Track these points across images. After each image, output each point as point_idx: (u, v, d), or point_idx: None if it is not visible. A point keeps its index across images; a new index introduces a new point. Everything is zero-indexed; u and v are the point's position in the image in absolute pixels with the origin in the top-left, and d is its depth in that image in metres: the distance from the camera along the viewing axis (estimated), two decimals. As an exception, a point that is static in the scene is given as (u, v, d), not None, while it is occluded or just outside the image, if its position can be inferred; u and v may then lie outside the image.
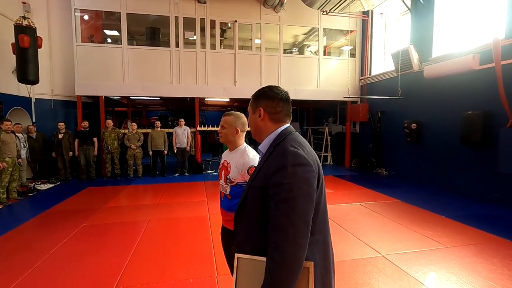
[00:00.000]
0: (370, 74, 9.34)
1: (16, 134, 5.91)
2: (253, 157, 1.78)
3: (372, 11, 9.00)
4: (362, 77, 9.52)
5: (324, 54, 9.97)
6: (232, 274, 1.66)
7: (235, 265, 1.10)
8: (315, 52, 10.35)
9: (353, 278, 2.69)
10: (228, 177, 1.84)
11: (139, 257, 3.13)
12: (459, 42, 6.24)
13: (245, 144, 1.91)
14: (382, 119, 8.56)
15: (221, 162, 1.99)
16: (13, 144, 5.50)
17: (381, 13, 8.69)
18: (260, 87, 1.29)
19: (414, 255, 3.15)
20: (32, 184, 6.54)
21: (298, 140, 1.12)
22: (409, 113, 7.38)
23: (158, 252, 3.27)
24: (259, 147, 1.26)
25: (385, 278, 2.69)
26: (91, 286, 2.58)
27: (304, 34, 10.69)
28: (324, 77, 9.35)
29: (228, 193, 1.85)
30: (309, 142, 11.65)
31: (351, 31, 9.57)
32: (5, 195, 5.34)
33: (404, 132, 7.38)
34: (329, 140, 10.34)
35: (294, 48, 11.99)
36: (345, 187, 6.62)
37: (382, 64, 8.86)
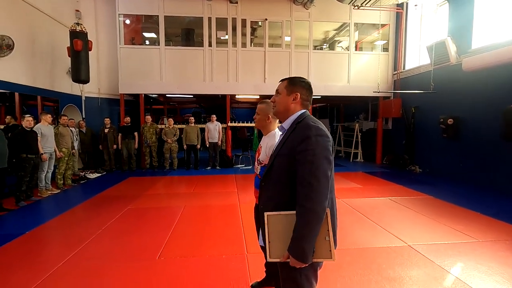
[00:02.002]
0: (404, 68, 9.04)
1: (70, 128, 6.65)
2: None
3: (406, 3, 8.70)
4: (395, 72, 9.24)
5: (356, 49, 9.81)
6: (259, 236, 1.89)
7: (265, 222, 1.33)
8: (346, 47, 10.23)
9: (376, 262, 2.78)
10: (258, 159, 2.06)
11: (177, 235, 3.48)
12: (501, 32, 5.88)
13: (277, 129, 2.11)
14: (416, 114, 8.27)
15: (259, 145, 2.23)
16: (68, 137, 6.22)
17: (415, 5, 8.38)
18: (293, 76, 1.54)
19: (442, 246, 3.14)
20: (83, 173, 7.31)
21: (315, 120, 1.39)
22: (445, 108, 7.08)
23: (194, 232, 3.60)
24: (282, 124, 1.48)
25: (409, 264, 2.75)
26: (138, 255, 2.96)
27: (335, 30, 10.59)
28: (355, 73, 9.23)
29: (258, 173, 2.07)
30: (339, 139, 11.55)
31: (384, 25, 9.34)
32: (62, 181, 6.07)
33: (439, 127, 7.10)
34: (359, 137, 10.18)
35: (325, 44, 11.91)
36: (374, 182, 6.56)
37: (417, 58, 8.54)
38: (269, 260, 1.33)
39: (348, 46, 9.35)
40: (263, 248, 1.60)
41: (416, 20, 8.56)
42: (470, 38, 6.47)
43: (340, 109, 13.26)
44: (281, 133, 1.54)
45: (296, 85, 1.47)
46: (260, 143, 2.18)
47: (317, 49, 10.84)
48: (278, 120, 2.12)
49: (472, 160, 6.40)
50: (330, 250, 1.26)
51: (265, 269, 2.39)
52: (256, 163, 2.15)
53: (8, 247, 3.22)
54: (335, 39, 11.19)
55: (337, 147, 11.51)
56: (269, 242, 1.33)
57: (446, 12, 7.19)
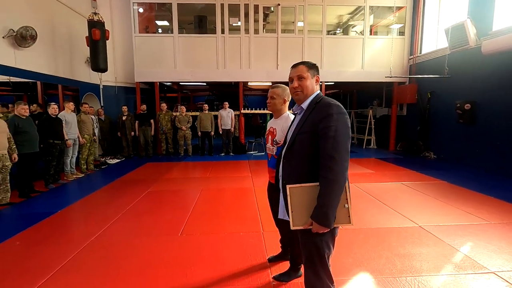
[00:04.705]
0: (420, 52, 8.82)
1: (90, 115, 6.92)
2: None
3: (424, -16, 8.41)
4: (411, 56, 9.03)
5: (371, 34, 9.61)
6: (276, 217, 2.02)
7: (288, 194, 1.46)
8: (360, 32, 10.02)
9: (387, 241, 2.90)
10: (274, 140, 2.19)
11: (197, 215, 3.70)
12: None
13: (288, 111, 2.22)
14: (431, 100, 8.13)
15: (268, 128, 2.34)
16: (89, 124, 6.50)
17: (434, -14, 8.08)
18: (306, 60, 1.62)
19: (452, 227, 3.22)
20: (103, 159, 7.65)
21: (332, 99, 1.49)
22: (462, 93, 6.94)
23: (212, 212, 3.81)
24: (301, 105, 1.57)
25: (419, 243, 2.85)
26: (162, 232, 3.20)
27: (349, 14, 10.38)
28: (369, 58, 9.08)
29: (274, 153, 2.20)
30: (352, 126, 11.49)
31: (400, 8, 9.07)
32: (85, 166, 6.40)
33: (456, 113, 6.98)
34: (373, 123, 10.10)
35: (338, 29, 11.69)
36: (387, 168, 6.59)
37: (434, 42, 8.31)
38: (292, 228, 1.45)
39: (363, 30, 9.17)
40: (281, 222, 1.73)
41: (435, 1, 8.27)
42: (491, 19, 6.24)
43: (354, 96, 13.11)
44: (297, 113, 1.63)
45: (315, 68, 1.58)
46: (270, 126, 2.29)
47: (331, 34, 10.66)
48: (289, 102, 2.22)
49: (488, 146, 6.30)
50: (349, 216, 1.41)
51: (280, 245, 2.55)
52: (269, 145, 2.26)
53: (41, 224, 3.51)
54: (349, 23, 10.97)
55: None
56: (291, 212, 1.45)
57: (466, -7, 6.93)
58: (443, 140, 7.74)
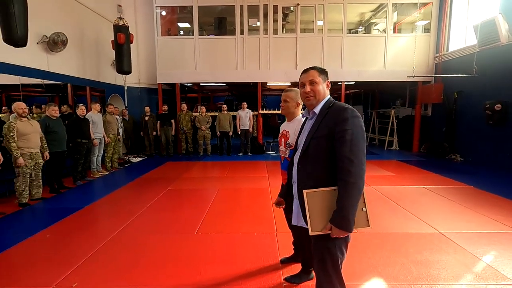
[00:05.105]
0: (447, 50, 8.43)
1: (115, 116, 7.25)
2: None
3: (452, -21, 8.03)
4: (437, 55, 8.65)
5: (394, 32, 9.30)
6: (290, 223, 2.04)
7: (304, 199, 1.44)
8: (383, 30, 9.73)
9: (404, 247, 2.82)
10: (287, 142, 2.21)
11: (213, 214, 3.79)
12: None
13: (301, 115, 2.23)
14: (458, 100, 7.75)
15: (281, 131, 2.36)
16: (114, 124, 6.81)
17: (463, -20, 7.69)
18: (317, 66, 1.62)
19: (476, 235, 3.08)
20: (127, 157, 7.98)
21: (345, 103, 1.51)
22: (492, 93, 6.57)
23: (227, 212, 3.89)
24: (313, 109, 1.57)
25: (438, 250, 2.75)
26: (179, 230, 3.32)
27: (372, 11, 10.11)
28: (392, 56, 8.80)
29: (287, 156, 2.22)
30: (373, 126, 11.21)
31: (426, 4, 8.72)
32: (110, 164, 6.72)
33: (485, 114, 6.62)
34: (395, 124, 9.78)
35: (360, 27, 11.43)
36: (408, 170, 6.37)
37: (462, 39, 7.91)
38: (311, 234, 1.43)
39: (386, 28, 8.90)
40: (294, 227, 1.72)
41: (463, -4, 7.88)
42: (525, 14, 5.87)
43: (375, 95, 12.76)
44: (309, 117, 1.63)
45: (324, 73, 1.58)
46: (283, 129, 2.31)
47: (352, 33, 10.44)
48: (301, 105, 2.23)
49: (521, 148, 5.93)
50: (367, 219, 1.42)
51: (293, 247, 2.57)
52: (282, 147, 2.28)
53: (69, 218, 3.74)
54: (371, 21, 10.69)
55: (371, 134, 11.18)
56: (309, 217, 1.43)
57: (498, -14, 6.55)
58: (471, 142, 7.37)
